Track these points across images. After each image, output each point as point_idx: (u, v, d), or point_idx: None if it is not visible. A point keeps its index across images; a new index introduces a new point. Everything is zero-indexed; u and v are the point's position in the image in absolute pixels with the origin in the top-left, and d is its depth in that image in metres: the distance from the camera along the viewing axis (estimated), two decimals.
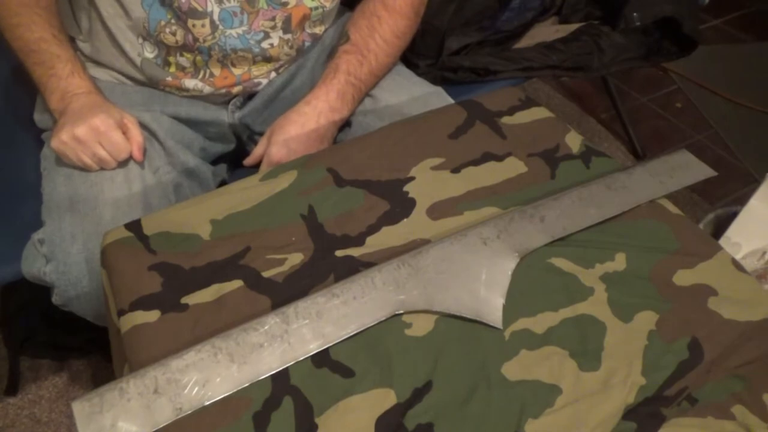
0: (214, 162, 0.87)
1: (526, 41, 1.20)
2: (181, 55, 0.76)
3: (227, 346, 0.45)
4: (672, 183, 0.60)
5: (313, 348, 0.46)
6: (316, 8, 0.78)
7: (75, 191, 0.71)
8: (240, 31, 0.75)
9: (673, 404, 0.46)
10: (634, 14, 1.62)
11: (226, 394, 0.44)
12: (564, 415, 0.44)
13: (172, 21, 0.73)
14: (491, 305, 0.49)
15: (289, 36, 0.78)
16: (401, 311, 0.49)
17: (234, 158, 0.92)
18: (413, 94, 0.83)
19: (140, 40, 0.75)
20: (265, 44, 0.77)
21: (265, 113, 0.85)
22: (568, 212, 0.56)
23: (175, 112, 0.79)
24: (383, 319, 0.48)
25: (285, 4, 0.75)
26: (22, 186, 0.82)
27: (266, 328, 0.47)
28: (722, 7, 2.01)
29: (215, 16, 0.73)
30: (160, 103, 0.79)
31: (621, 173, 0.61)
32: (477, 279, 0.51)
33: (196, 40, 0.74)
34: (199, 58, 0.77)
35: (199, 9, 0.72)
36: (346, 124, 0.83)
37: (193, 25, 0.73)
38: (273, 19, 0.76)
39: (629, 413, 0.45)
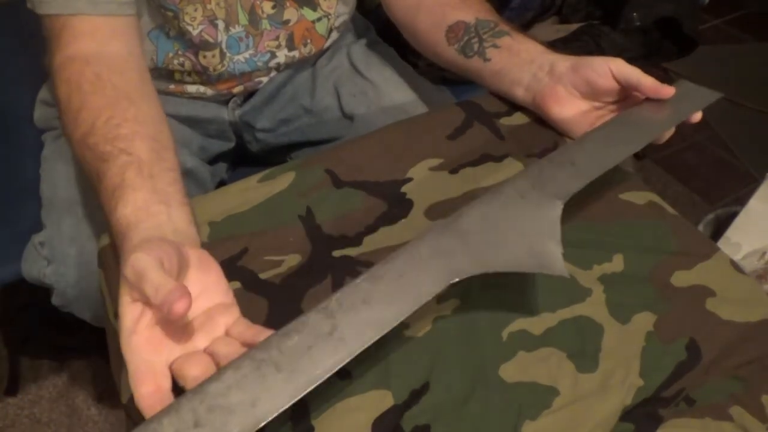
0: (213, 161, 0.87)
1: None
2: (189, 75, 0.77)
3: (270, 356, 0.40)
4: (683, 109, 0.60)
5: (370, 337, 0.41)
6: (319, 19, 0.78)
7: (74, 193, 0.71)
8: (247, 55, 0.75)
9: (670, 405, 0.46)
10: (634, 14, 1.62)
11: (282, 409, 0.39)
12: (562, 416, 0.44)
13: (179, 52, 0.73)
14: (551, 256, 0.47)
15: (294, 53, 0.78)
16: (456, 279, 0.45)
17: (233, 157, 0.92)
18: (417, 91, 0.83)
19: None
20: (272, 64, 0.78)
21: (266, 110, 0.85)
22: (596, 155, 0.55)
23: (174, 112, 0.79)
24: (439, 291, 0.44)
25: (286, 23, 0.75)
26: (22, 187, 0.82)
27: (309, 328, 0.41)
28: (722, 7, 2.00)
29: (223, 45, 0.73)
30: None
31: (633, 108, 0.61)
32: (527, 233, 0.48)
33: (205, 69, 0.74)
34: (207, 83, 0.77)
35: (210, 40, 0.72)
36: (348, 118, 0.83)
37: (204, 56, 0.73)
38: (277, 38, 0.76)
39: (627, 414, 0.45)
